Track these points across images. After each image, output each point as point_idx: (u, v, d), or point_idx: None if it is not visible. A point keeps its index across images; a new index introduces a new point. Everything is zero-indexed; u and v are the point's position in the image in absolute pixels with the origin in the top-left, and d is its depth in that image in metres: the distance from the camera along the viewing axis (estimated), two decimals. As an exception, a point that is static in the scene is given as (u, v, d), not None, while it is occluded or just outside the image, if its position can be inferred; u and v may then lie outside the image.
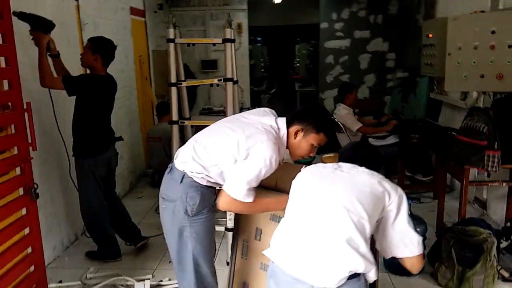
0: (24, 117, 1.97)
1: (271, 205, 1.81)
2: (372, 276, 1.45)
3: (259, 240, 1.94)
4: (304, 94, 7.95)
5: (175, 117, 2.81)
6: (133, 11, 4.85)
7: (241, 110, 3.42)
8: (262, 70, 8.59)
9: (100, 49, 2.79)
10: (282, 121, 1.81)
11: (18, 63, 1.96)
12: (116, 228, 3.10)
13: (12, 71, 1.91)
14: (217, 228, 2.37)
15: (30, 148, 2.03)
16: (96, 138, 2.85)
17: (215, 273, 2.00)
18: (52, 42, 2.62)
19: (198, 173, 1.80)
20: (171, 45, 2.75)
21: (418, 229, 2.69)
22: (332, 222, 1.42)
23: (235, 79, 2.87)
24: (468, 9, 3.64)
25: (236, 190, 1.68)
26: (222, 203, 1.72)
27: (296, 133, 1.78)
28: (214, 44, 2.90)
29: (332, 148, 3.29)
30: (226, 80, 2.77)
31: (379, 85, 6.54)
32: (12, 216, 1.94)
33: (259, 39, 8.48)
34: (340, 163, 1.63)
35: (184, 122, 2.86)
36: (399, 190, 1.53)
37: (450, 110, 4.22)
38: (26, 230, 2.05)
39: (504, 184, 2.86)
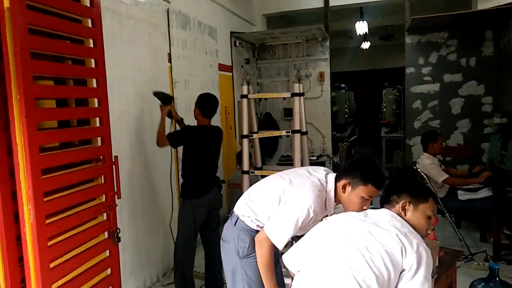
0: (112, 169, 2.28)
1: (267, 272, 1.81)
2: None
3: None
4: (390, 140, 7.64)
5: (246, 167, 2.97)
6: (221, 67, 5.31)
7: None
8: (346, 116, 8.52)
9: (198, 102, 3.16)
10: (332, 176, 1.87)
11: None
12: (206, 272, 3.25)
13: (105, 129, 2.25)
14: (286, 280, 2.37)
15: (116, 196, 2.32)
16: (195, 181, 3.10)
17: None
18: (173, 110, 3.20)
19: (248, 216, 1.94)
20: (244, 100, 2.96)
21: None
22: (335, 280, 1.38)
23: (303, 130, 2.96)
24: None
25: (272, 232, 1.77)
26: (257, 237, 1.84)
27: (344, 187, 1.81)
28: (284, 98, 3.00)
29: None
30: (294, 132, 2.86)
31: (475, 131, 6.01)
32: (97, 257, 2.20)
33: (343, 85, 8.50)
34: (368, 212, 1.59)
35: (254, 172, 3.00)
36: (420, 248, 1.39)
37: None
38: (108, 271, 2.30)
39: None
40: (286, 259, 1.68)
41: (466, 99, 6.06)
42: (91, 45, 2.21)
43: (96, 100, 2.24)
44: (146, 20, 3.46)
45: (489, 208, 3.67)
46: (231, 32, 5.58)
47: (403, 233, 1.42)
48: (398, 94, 7.84)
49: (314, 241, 1.59)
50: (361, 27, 8.15)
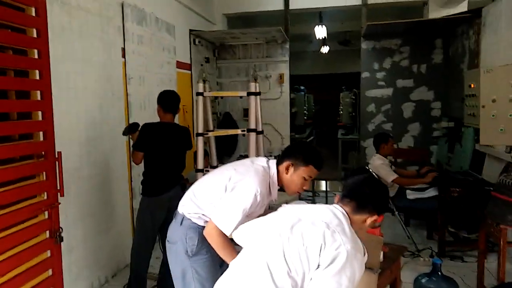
0: (55, 166, 2.17)
1: (229, 256, 1.78)
2: None
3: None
4: (346, 141, 7.86)
5: (200, 165, 2.93)
6: (179, 65, 5.22)
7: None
8: (305, 118, 8.67)
9: (159, 99, 3.13)
10: (273, 162, 1.94)
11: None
12: (160, 271, 3.14)
13: (48, 123, 2.14)
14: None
15: (59, 194, 2.20)
16: (154, 179, 3.04)
17: None
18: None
19: (195, 213, 1.92)
20: (200, 98, 2.93)
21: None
22: (252, 271, 1.43)
23: (259, 129, 2.96)
24: (511, 61, 3.50)
25: (219, 219, 1.77)
26: (205, 230, 1.84)
27: (287, 169, 1.88)
28: (240, 97, 3.00)
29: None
30: (250, 130, 2.87)
31: (424, 134, 6.31)
32: (37, 257, 2.09)
33: (302, 88, 8.65)
34: (316, 205, 1.62)
35: (208, 170, 2.97)
36: (342, 247, 1.37)
37: (495, 163, 3.95)
38: (50, 272, 2.19)
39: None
40: (235, 234, 1.75)
41: (417, 103, 6.34)
42: (35, 35, 2.09)
43: (38, 92, 2.12)
44: (98, 13, 3.33)
45: (435, 207, 3.85)
46: (190, 30, 5.51)
47: (331, 231, 1.43)
48: (354, 97, 8.07)
49: (257, 226, 1.64)
50: (320, 32, 8.33)
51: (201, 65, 5.98)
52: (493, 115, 2.93)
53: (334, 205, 1.58)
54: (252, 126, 2.86)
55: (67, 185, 2.94)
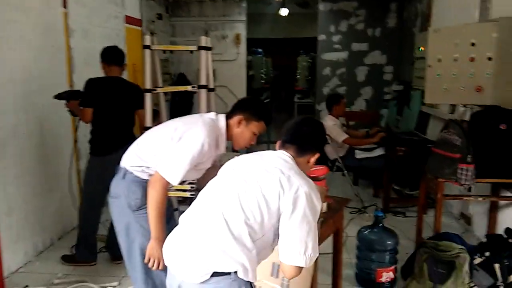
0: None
1: (157, 218, 1.75)
2: (248, 276, 1.37)
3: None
4: (302, 105, 7.94)
5: (149, 123, 2.81)
6: (129, 20, 4.92)
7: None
8: (263, 81, 8.61)
9: (102, 55, 2.98)
10: (222, 116, 1.90)
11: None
12: (110, 233, 3.03)
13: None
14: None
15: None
16: (103, 137, 2.92)
17: None
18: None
19: (138, 166, 1.86)
20: (147, 51, 2.76)
21: (389, 242, 2.66)
22: (207, 222, 1.41)
23: (210, 86, 2.87)
24: (459, 22, 3.60)
25: (165, 169, 1.72)
26: (150, 180, 1.77)
27: (239, 122, 1.85)
28: (191, 52, 2.87)
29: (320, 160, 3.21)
30: (201, 87, 2.77)
31: (376, 98, 6.49)
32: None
33: (259, 50, 8.53)
34: (264, 154, 1.58)
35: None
36: (300, 190, 1.39)
37: (438, 123, 4.14)
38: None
39: (480, 199, 2.78)
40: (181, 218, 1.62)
41: (370, 67, 6.47)
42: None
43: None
44: (31, -47, 3.02)
45: (382, 166, 4.01)
46: (141, -17, 5.18)
47: (287, 176, 1.43)
48: (311, 61, 8.09)
49: (206, 189, 1.56)
50: (279, -8, 8.14)
51: (153, 21, 5.69)
52: (438, 75, 3.01)
53: (279, 151, 1.58)
54: (203, 82, 2.75)
55: (3, 142, 2.78)
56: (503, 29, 2.72)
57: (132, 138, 2.99)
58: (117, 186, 1.91)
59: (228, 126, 1.86)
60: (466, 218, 3.62)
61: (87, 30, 3.89)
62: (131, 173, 1.87)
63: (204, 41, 2.77)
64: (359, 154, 4.15)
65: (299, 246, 1.36)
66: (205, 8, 6.46)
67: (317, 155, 1.57)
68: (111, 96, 2.91)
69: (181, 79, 6.43)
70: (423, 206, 3.23)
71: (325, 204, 2.00)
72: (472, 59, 2.87)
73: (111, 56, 2.96)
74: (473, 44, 2.87)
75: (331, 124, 4.13)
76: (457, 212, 3.80)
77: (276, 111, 10.66)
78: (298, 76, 8.97)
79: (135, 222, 1.88)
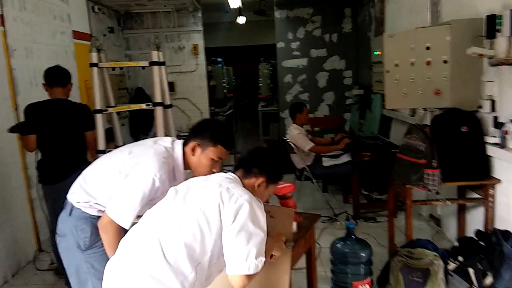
0: None
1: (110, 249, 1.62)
2: None
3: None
4: (267, 113, 7.88)
5: (101, 145, 2.62)
6: (77, 35, 4.66)
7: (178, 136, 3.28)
8: (225, 91, 8.48)
9: (43, 76, 2.81)
10: (178, 143, 1.73)
11: None
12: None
13: None
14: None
15: None
16: (47, 164, 2.76)
17: None
18: None
19: (85, 201, 1.68)
20: (95, 69, 2.58)
21: (362, 254, 2.59)
22: (142, 248, 1.36)
23: (166, 103, 2.72)
24: (411, 25, 3.64)
25: (114, 211, 1.56)
26: (99, 223, 1.61)
27: (193, 150, 1.69)
28: (143, 68, 2.71)
29: (287, 169, 3.09)
30: (156, 104, 2.61)
31: (338, 102, 6.53)
32: None
33: (219, 59, 8.41)
34: (210, 175, 1.58)
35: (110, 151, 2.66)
36: (240, 199, 1.38)
37: (401, 127, 4.18)
38: None
39: (449, 202, 2.77)
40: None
41: (330, 73, 6.51)
42: None
43: None
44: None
45: (349, 172, 3.98)
46: (88, -4, 4.93)
47: (225, 188, 1.41)
48: (272, 69, 8.06)
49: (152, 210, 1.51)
50: (234, 0, 8.05)
51: (104, 35, 5.43)
52: (396, 80, 3.01)
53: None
54: (158, 99, 2.60)
55: None
56: (456, 31, 2.75)
57: (83, 163, 2.82)
58: (63, 223, 1.73)
59: (185, 154, 1.70)
60: (435, 220, 3.64)
61: (30, 48, 3.62)
62: (79, 209, 1.69)
63: (156, 56, 2.63)
64: (326, 162, 4.10)
65: (240, 254, 1.34)
66: (159, 20, 6.27)
67: (261, 179, 1.56)
68: (53, 119, 2.70)
69: (139, 94, 6.19)
70: (392, 212, 3.20)
71: (294, 224, 1.89)
72: (428, 63, 2.88)
73: (52, 77, 2.78)
74: (428, 48, 2.89)
75: (296, 133, 4.07)
76: (426, 214, 3.82)
77: (241, 120, 10.56)
78: (260, 84, 8.89)
79: (85, 263, 1.70)
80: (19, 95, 3.40)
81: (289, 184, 2.00)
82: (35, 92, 3.55)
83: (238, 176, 1.55)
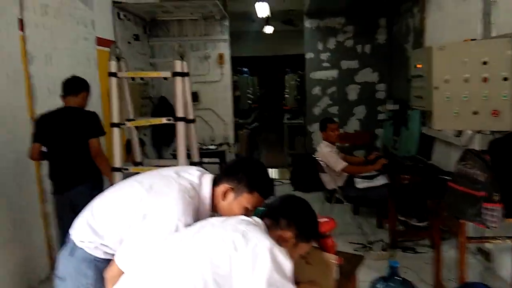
0: None
1: None
2: None
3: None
4: (292, 126, 7.57)
5: (117, 163, 2.39)
6: (101, 41, 4.51)
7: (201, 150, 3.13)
8: (250, 101, 8.25)
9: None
10: (207, 179, 1.44)
11: None
12: None
13: None
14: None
15: None
16: (51, 176, 2.79)
17: None
18: None
19: (90, 242, 1.40)
20: (113, 79, 2.37)
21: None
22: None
23: (189, 117, 2.47)
24: (457, 37, 3.31)
25: (126, 260, 1.29)
26: (108, 272, 1.34)
27: (225, 194, 1.40)
28: (165, 79, 2.49)
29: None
30: (178, 119, 2.36)
31: (370, 117, 6.17)
32: None
33: (245, 69, 8.19)
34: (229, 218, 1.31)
35: (127, 169, 2.43)
36: (258, 246, 1.13)
37: (444, 147, 3.80)
38: None
39: (508, 241, 2.40)
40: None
41: (362, 85, 6.17)
42: None
43: None
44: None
45: (385, 196, 3.63)
46: (114, 2, 4.79)
47: (241, 232, 1.15)
48: (299, 80, 7.79)
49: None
50: (262, 9, 7.86)
51: (129, 42, 5.28)
52: (447, 97, 2.68)
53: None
54: (180, 114, 2.36)
55: None
56: (519, 45, 2.40)
57: (90, 173, 2.66)
58: (63, 265, 1.46)
59: (213, 194, 1.42)
60: (485, 254, 3.23)
61: (50, 55, 3.45)
62: (81, 248, 1.41)
63: (179, 66, 2.39)
64: (360, 183, 3.76)
65: None
66: (185, 28, 6.10)
67: (289, 234, 1.29)
68: (58, 128, 2.69)
69: (163, 103, 6.00)
70: (438, 247, 2.83)
71: (336, 270, 1.58)
72: (485, 80, 2.54)
73: (65, 86, 2.80)
74: (485, 63, 2.56)
75: (327, 151, 3.76)
76: (473, 247, 3.41)
77: (265, 131, 10.30)
78: (286, 95, 8.63)
79: None
80: (36, 104, 3.23)
81: (328, 219, 1.70)
82: (54, 101, 3.36)
83: (266, 225, 1.30)
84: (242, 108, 7.78)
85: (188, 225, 1.29)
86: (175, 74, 2.37)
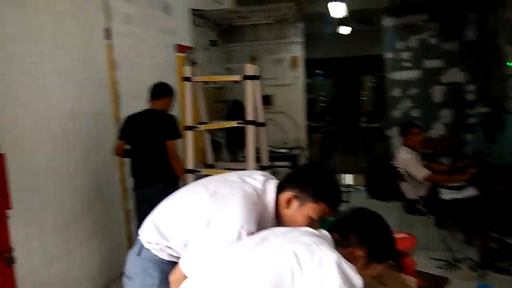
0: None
1: None
2: None
3: None
4: (369, 130, 7.22)
5: (190, 165, 2.43)
6: (180, 48, 4.71)
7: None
8: (324, 104, 8.06)
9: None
10: (272, 184, 1.37)
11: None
12: None
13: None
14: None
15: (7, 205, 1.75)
16: (132, 171, 2.99)
17: None
18: None
19: (156, 243, 1.41)
20: (187, 84, 2.41)
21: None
22: None
23: (259, 121, 2.43)
24: None
25: (190, 265, 1.27)
26: (172, 279, 1.33)
27: (289, 202, 1.32)
28: (236, 82, 2.48)
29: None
30: (248, 123, 2.34)
31: (458, 121, 5.63)
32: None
33: (319, 72, 8.02)
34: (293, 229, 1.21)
35: (199, 171, 2.46)
36: (325, 259, 1.01)
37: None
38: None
39: None
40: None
41: (448, 87, 5.66)
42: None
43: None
44: (69, -15, 2.84)
45: (475, 209, 3.25)
46: (192, 9, 4.97)
47: (305, 245, 1.04)
48: (376, 81, 7.42)
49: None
50: (337, 9, 7.63)
51: (205, 48, 5.44)
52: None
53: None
54: (250, 117, 2.33)
55: (39, 187, 2.54)
56: None
57: (167, 172, 2.76)
58: (131, 264, 1.49)
59: (277, 201, 1.35)
60: None
61: (134, 61, 3.67)
62: (148, 250, 1.43)
63: (249, 69, 2.36)
64: (446, 194, 3.41)
65: None
66: (260, 32, 6.14)
67: (360, 252, 1.15)
68: (139, 128, 2.91)
69: (236, 107, 6.07)
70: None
71: (416, 292, 1.40)
72: None
73: (151, 91, 3.00)
74: None
75: (407, 157, 3.47)
76: None
77: (339, 134, 9.99)
78: (363, 97, 8.28)
79: None
80: (121, 108, 3.44)
81: (406, 236, 1.52)
82: (137, 105, 3.57)
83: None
84: (315, 111, 7.63)
85: (251, 233, 1.24)
86: (246, 77, 2.35)
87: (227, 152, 5.96)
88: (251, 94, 2.35)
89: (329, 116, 8.81)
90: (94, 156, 3.10)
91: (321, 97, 7.95)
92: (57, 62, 2.73)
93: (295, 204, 1.32)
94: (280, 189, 1.36)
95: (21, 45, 2.41)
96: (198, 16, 5.07)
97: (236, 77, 2.46)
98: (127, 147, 3.03)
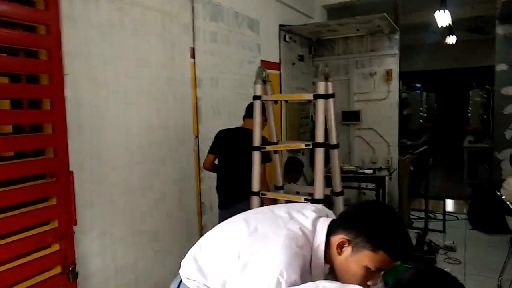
0: (67, 187, 1.83)
1: None
2: None
3: None
4: (475, 151, 6.38)
5: (256, 187, 2.35)
6: (266, 64, 4.72)
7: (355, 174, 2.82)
8: (422, 120, 7.38)
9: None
10: (324, 223, 1.17)
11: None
12: None
13: (58, 137, 1.82)
14: None
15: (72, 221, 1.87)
16: (219, 190, 3.04)
17: None
18: None
19: (194, 280, 1.30)
20: (257, 102, 2.35)
21: None
22: None
23: (332, 143, 2.25)
24: None
25: None
26: None
27: (341, 247, 1.12)
28: (309, 101, 2.35)
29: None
30: (316, 145, 2.17)
31: None
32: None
33: (417, 85, 7.38)
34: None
35: (264, 194, 2.36)
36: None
37: None
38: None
39: None
40: None
41: None
42: (44, 32, 1.78)
43: (48, 101, 1.80)
44: (157, 8, 3.01)
45: None
46: (280, 26, 4.96)
47: None
48: (486, 96, 6.55)
49: None
50: (443, 18, 6.95)
51: (293, 63, 5.38)
52: None
53: None
54: (319, 139, 2.15)
55: (116, 198, 2.70)
56: None
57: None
58: None
59: (329, 245, 1.15)
60: None
61: (216, 78, 3.76)
62: (186, 286, 1.35)
63: (322, 87, 2.19)
64: None
65: None
66: (350, 45, 5.87)
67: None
68: (230, 145, 2.94)
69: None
70: None
71: None
72: None
73: (246, 110, 3.07)
74: None
75: (516, 190, 2.93)
76: None
77: (441, 153, 9.05)
78: (469, 113, 7.38)
79: None
80: (201, 124, 3.54)
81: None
82: (217, 120, 3.66)
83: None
84: (412, 128, 7.01)
85: (292, 284, 1.05)
86: (317, 96, 2.19)
87: (309, 166, 5.78)
88: (322, 115, 2.18)
89: (429, 134, 8.03)
90: (174, 172, 3.21)
91: (419, 113, 7.27)
92: (141, 80, 2.89)
93: (347, 250, 1.12)
94: (333, 230, 1.16)
95: (106, 65, 2.59)
96: (287, 31, 5.04)
97: (307, 96, 2.32)
98: (216, 162, 3.10)
